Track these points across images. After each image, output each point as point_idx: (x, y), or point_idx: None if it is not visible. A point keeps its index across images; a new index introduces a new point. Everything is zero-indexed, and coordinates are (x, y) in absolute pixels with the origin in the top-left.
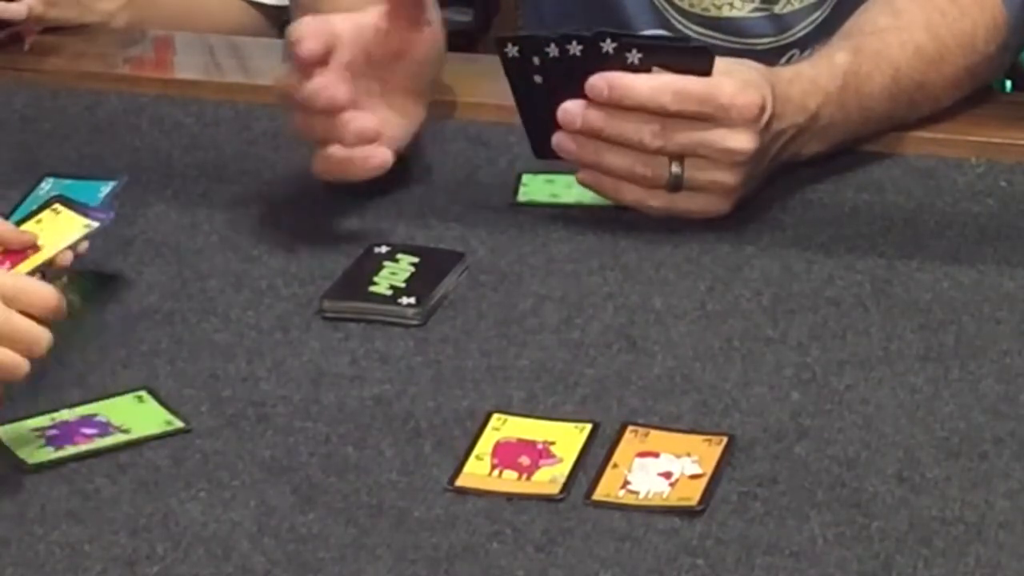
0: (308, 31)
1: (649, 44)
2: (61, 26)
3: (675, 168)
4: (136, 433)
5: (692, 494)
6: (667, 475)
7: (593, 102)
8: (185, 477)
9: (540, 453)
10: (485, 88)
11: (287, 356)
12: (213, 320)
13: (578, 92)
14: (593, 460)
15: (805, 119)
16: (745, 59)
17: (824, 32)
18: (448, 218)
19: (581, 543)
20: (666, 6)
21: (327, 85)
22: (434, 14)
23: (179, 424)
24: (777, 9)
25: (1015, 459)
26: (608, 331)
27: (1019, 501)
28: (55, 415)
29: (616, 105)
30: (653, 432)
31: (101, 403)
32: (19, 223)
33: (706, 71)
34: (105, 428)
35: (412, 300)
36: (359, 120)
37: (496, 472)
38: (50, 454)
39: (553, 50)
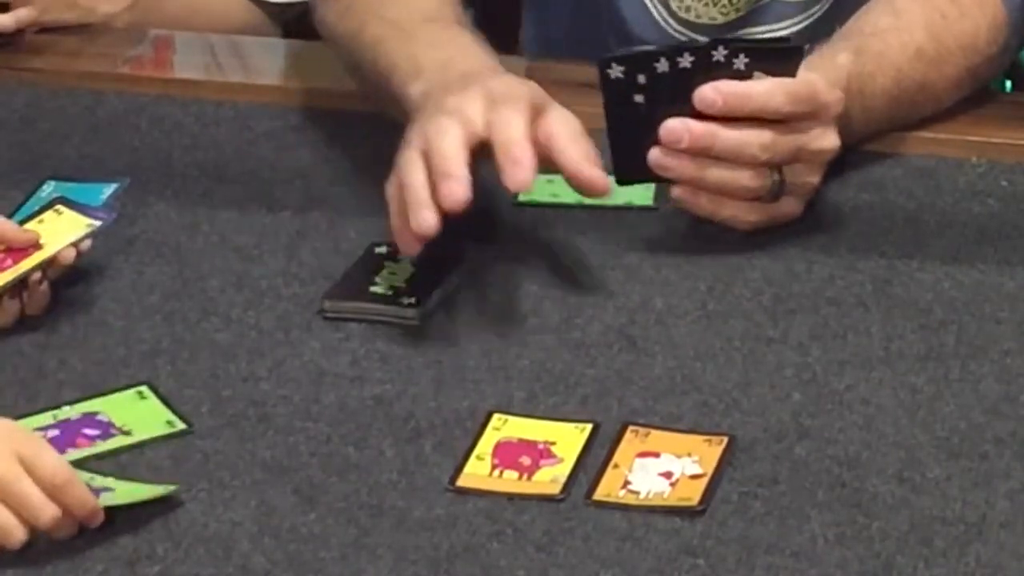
0: (424, 200)
1: (754, 48)
2: (61, 27)
3: (776, 176)
4: (137, 436)
5: (693, 494)
6: (668, 475)
7: (699, 117)
8: (185, 477)
9: (541, 453)
10: None
11: (288, 356)
12: (214, 320)
13: (679, 108)
14: (594, 460)
15: None
16: None
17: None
18: (448, 218)
19: (581, 543)
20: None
21: (459, 200)
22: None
23: (180, 426)
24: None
25: (1015, 459)
26: (609, 331)
27: (1019, 501)
28: (57, 412)
29: (730, 115)
30: (654, 432)
31: (102, 399)
32: (21, 223)
33: (792, 71)
34: (107, 429)
35: (412, 300)
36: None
37: (496, 472)
38: None
39: (663, 64)
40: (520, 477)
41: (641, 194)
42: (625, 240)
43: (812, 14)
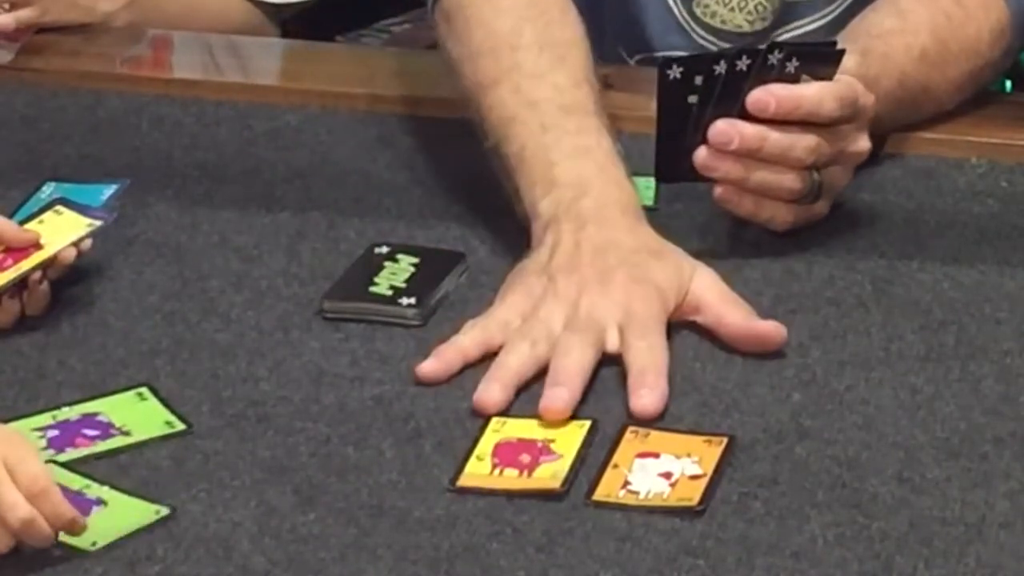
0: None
1: (804, 51)
2: (61, 26)
3: (816, 177)
4: (137, 436)
5: (692, 494)
6: (667, 475)
7: (745, 118)
8: (186, 477)
9: (540, 451)
10: None
11: (287, 356)
12: (213, 320)
13: (729, 110)
14: (594, 460)
15: None
16: None
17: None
18: (448, 218)
19: (581, 543)
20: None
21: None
22: None
23: (180, 426)
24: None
25: (1015, 459)
26: None
27: (1019, 501)
28: (56, 413)
29: (783, 118)
30: (653, 432)
31: (102, 400)
32: (21, 224)
33: (832, 73)
34: (106, 430)
35: (412, 300)
36: None
37: (497, 472)
38: (51, 457)
39: (721, 67)
40: (520, 474)
41: (642, 194)
42: None
43: (828, 13)
